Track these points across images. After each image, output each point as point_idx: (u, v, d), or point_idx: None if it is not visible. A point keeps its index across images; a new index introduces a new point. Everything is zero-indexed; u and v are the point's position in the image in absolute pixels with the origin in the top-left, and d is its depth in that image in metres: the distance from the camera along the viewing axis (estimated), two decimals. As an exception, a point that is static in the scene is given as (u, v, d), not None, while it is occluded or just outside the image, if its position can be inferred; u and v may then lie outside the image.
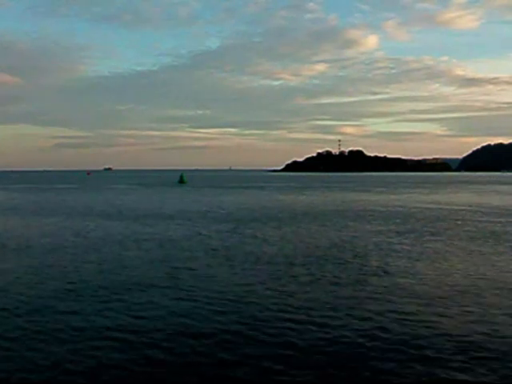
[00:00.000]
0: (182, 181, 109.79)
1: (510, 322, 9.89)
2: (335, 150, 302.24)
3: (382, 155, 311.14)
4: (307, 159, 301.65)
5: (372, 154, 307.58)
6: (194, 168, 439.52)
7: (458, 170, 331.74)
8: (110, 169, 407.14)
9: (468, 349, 8.45)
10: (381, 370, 7.66)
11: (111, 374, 7.60)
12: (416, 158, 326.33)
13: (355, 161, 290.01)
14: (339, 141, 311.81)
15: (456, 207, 39.84)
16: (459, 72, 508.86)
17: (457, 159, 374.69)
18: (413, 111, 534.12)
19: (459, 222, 28.48)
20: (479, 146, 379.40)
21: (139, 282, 13.49)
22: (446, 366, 7.79)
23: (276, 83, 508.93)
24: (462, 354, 8.25)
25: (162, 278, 14.09)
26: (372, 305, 11.17)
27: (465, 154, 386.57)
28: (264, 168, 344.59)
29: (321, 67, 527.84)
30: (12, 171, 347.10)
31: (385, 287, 12.81)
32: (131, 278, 13.99)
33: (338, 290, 12.53)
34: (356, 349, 8.51)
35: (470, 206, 41.50)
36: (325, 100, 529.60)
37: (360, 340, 8.90)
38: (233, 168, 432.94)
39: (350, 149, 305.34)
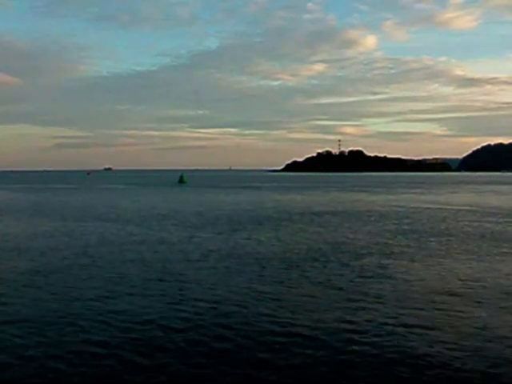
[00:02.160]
0: (181, 181, 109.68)
1: (507, 327, 9.77)
2: (335, 150, 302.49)
3: (382, 155, 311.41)
4: (307, 159, 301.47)
5: (372, 154, 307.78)
6: (193, 168, 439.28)
7: (458, 170, 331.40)
8: (110, 169, 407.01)
9: (463, 353, 8.35)
10: (374, 375, 7.56)
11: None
12: (416, 158, 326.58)
13: (355, 161, 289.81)
14: (339, 141, 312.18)
15: (455, 207, 39.68)
16: (458, 72, 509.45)
17: (457, 159, 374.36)
18: (412, 111, 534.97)
19: (456, 223, 28.35)
20: (479, 146, 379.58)
21: (129, 286, 13.37)
22: (441, 369, 7.69)
23: (275, 83, 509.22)
24: (458, 358, 8.15)
25: (154, 281, 13.95)
26: (367, 307, 11.05)
27: (465, 154, 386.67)
28: (264, 168, 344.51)
29: (320, 67, 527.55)
30: (12, 171, 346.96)
31: (380, 290, 12.67)
32: (120, 282, 13.83)
33: (333, 292, 12.39)
34: (351, 351, 8.40)
35: (469, 206, 41.35)
36: (324, 100, 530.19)
37: (355, 342, 8.79)
38: (233, 168, 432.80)
39: (350, 149, 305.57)
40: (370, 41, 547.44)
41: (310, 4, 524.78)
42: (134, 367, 7.92)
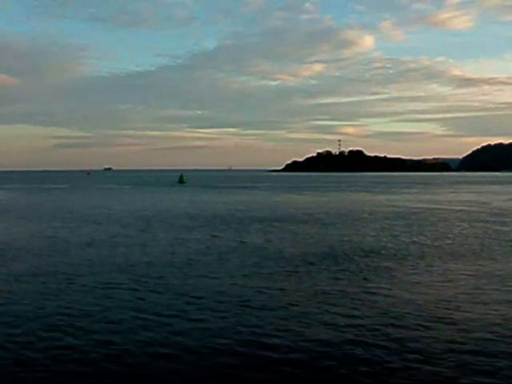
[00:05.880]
0: (181, 181, 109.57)
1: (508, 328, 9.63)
2: (335, 150, 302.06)
3: (381, 155, 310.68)
4: (307, 159, 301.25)
5: (372, 154, 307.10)
6: (193, 168, 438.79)
7: (457, 170, 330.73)
8: (109, 169, 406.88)
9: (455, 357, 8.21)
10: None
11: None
12: (416, 158, 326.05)
13: (355, 161, 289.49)
14: (339, 141, 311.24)
15: (455, 208, 39.53)
16: (456, 72, 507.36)
17: (457, 159, 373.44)
18: (412, 111, 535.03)
19: (455, 223, 28.21)
20: (479, 146, 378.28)
21: (102, 291, 13.09)
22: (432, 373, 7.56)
23: (274, 83, 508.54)
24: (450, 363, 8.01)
25: (136, 287, 13.66)
26: (360, 309, 10.92)
27: (465, 154, 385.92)
28: (264, 168, 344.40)
29: (318, 67, 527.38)
30: (12, 171, 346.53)
31: (378, 291, 12.54)
32: (103, 287, 13.49)
33: (327, 294, 12.26)
34: (347, 354, 8.27)
35: (469, 206, 41.19)
36: (323, 100, 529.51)
37: (352, 346, 8.66)
38: (233, 168, 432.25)
39: (350, 149, 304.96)
40: (368, 41, 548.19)
41: (307, 4, 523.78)
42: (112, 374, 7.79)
